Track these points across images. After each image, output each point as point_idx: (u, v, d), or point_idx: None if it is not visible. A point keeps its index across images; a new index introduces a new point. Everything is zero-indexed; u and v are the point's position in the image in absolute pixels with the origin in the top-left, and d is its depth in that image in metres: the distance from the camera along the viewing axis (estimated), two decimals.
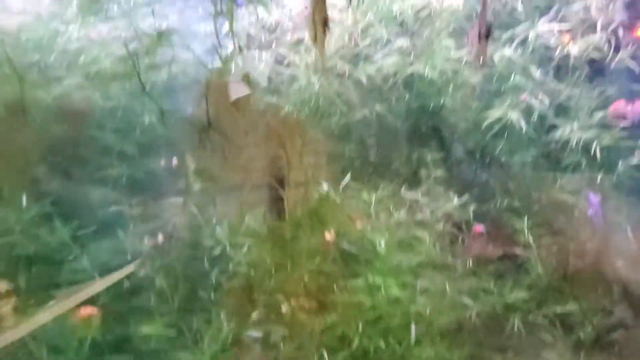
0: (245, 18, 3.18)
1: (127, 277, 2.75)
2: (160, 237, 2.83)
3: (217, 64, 3.01)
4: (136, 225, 2.88)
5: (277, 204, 2.79)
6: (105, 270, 2.78)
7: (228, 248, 2.58)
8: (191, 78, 2.99)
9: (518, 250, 2.53)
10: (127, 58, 2.97)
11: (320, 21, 2.08)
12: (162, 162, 3.07)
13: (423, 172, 2.97)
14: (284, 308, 2.34)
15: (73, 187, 3.05)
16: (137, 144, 3.09)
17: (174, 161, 3.02)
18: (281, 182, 2.83)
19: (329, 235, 2.45)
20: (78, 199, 2.99)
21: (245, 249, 2.53)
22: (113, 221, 2.90)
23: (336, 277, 2.37)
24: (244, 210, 2.62)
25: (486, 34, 2.36)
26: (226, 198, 2.80)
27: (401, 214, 2.70)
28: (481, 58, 2.44)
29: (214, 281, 2.56)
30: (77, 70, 3.21)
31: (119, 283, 2.78)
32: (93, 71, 3.18)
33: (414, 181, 2.95)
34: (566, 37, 3.14)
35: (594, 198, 2.71)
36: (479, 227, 2.68)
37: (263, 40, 3.17)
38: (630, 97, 3.04)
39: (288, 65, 3.19)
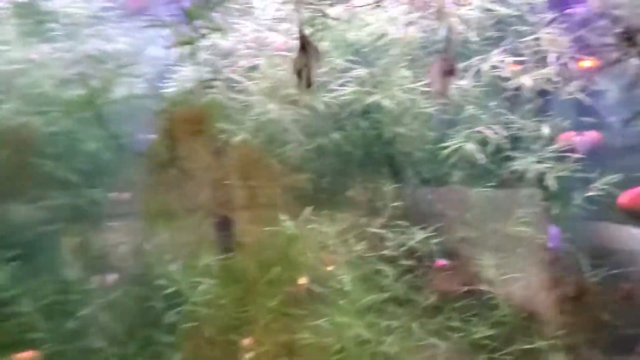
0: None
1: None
2: (109, 275, 2.68)
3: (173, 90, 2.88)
4: (84, 261, 2.71)
5: (234, 240, 2.69)
6: (48, 310, 2.62)
7: (183, 287, 2.46)
8: (145, 106, 2.85)
9: (482, 286, 2.52)
10: (74, 82, 2.81)
11: (297, 72, 2.02)
12: (112, 195, 2.92)
13: (381, 203, 2.94)
14: (246, 353, 2.24)
15: (14, 220, 2.86)
16: (85, 175, 2.93)
17: (125, 195, 2.88)
18: (240, 216, 2.73)
19: (303, 279, 2.37)
20: (21, 234, 2.80)
21: (201, 288, 2.41)
22: (58, 257, 2.73)
23: (300, 317, 2.29)
24: (201, 247, 2.51)
25: (449, 71, 2.35)
26: (181, 234, 2.67)
27: (362, 248, 2.65)
28: (443, 95, 2.43)
29: (168, 323, 2.42)
30: (16, 93, 3.03)
31: (63, 323, 2.62)
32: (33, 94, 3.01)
33: (372, 212, 2.92)
34: (515, 68, 3.18)
35: (554, 230, 2.74)
36: (441, 261, 2.66)
37: (217, 65, 3.07)
38: (581, 128, 3.11)
39: (241, 91, 3.10)
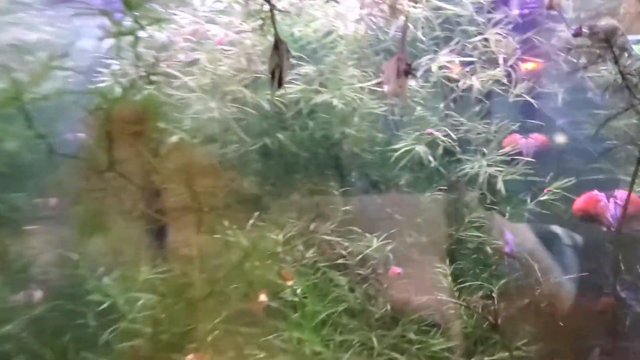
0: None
1: None
2: (33, 290, 2.42)
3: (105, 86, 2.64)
4: (4, 274, 2.44)
5: (173, 249, 2.49)
6: None
7: (119, 302, 2.24)
8: (74, 102, 2.59)
9: (438, 294, 2.43)
10: None
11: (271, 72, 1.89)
12: (37, 201, 2.65)
13: (329, 207, 2.82)
14: None
15: None
16: (5, 178, 2.65)
17: (52, 200, 2.61)
18: (179, 223, 2.52)
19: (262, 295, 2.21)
20: None
21: (140, 303, 2.21)
22: None
23: (251, 333, 2.13)
24: (138, 258, 2.29)
25: (405, 71, 2.25)
26: (116, 243, 2.44)
27: (312, 255, 2.52)
28: (399, 95, 2.33)
29: (103, 342, 2.20)
30: None
31: None
32: None
33: (320, 217, 2.79)
34: (463, 69, 3.12)
35: (510, 236, 2.70)
36: (395, 269, 2.56)
37: (154, 59, 2.85)
38: (529, 131, 3.10)
39: (179, 88, 2.90)
